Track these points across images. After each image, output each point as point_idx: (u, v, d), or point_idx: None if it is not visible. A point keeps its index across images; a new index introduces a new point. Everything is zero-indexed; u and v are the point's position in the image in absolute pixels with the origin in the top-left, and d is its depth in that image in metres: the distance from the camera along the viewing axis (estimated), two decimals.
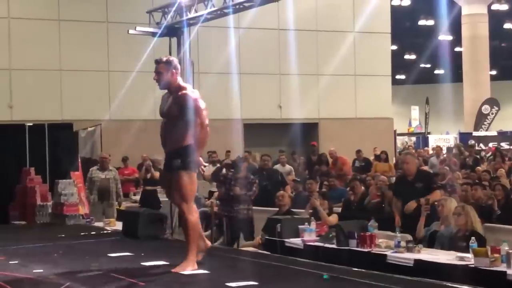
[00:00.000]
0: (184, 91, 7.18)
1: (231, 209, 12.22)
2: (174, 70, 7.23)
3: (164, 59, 7.32)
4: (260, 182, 13.37)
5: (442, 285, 6.47)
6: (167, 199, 15.65)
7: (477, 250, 7.05)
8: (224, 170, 13.60)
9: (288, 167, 17.63)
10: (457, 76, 34.77)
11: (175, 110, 7.14)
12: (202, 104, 7.17)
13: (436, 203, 9.14)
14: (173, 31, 15.94)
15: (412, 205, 9.31)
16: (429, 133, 35.95)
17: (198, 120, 7.10)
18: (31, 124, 16.24)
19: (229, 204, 12.34)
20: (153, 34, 16.32)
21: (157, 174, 16.51)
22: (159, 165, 18.13)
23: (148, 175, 16.25)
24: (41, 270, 7.45)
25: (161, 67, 7.24)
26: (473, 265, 6.94)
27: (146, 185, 16.26)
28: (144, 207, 12.86)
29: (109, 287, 6.55)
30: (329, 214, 10.55)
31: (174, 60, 7.30)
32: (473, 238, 7.49)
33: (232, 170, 12.81)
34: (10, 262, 8.12)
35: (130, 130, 19.90)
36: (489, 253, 6.88)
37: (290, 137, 21.77)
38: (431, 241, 8.68)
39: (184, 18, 15.51)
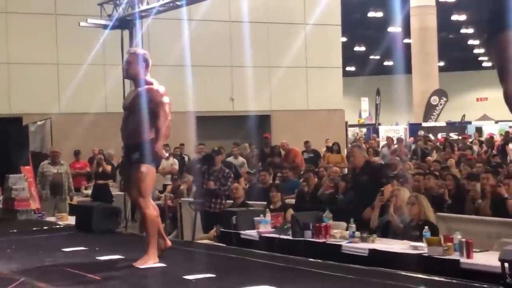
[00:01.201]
0: (151, 86, 7.18)
1: (207, 203, 12.05)
2: (144, 64, 7.24)
3: (137, 51, 7.35)
4: None
5: (397, 273, 6.55)
6: (119, 192, 15.71)
7: (430, 239, 7.15)
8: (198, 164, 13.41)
9: (241, 159, 17.67)
10: (406, 67, 35.20)
11: (138, 103, 7.12)
12: (167, 99, 7.19)
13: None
14: (125, 24, 15.81)
15: (368, 213, 9.30)
16: (379, 124, 36.32)
17: (163, 114, 7.11)
18: None
19: (204, 198, 12.21)
20: (105, 27, 16.18)
21: (108, 168, 16.43)
22: (112, 159, 18.07)
23: (100, 169, 16.17)
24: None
25: (132, 58, 7.24)
26: (426, 254, 7.03)
27: (97, 179, 16.18)
28: (96, 201, 12.75)
29: (65, 282, 6.48)
30: (281, 206, 10.57)
31: (146, 54, 7.32)
32: (426, 227, 7.59)
33: (206, 164, 12.65)
34: None
35: (81, 123, 19.70)
36: (442, 242, 6.98)
37: (243, 129, 21.82)
38: (384, 231, 8.77)
39: (136, 10, 15.39)
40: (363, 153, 10.68)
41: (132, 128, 7.13)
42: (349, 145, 23.84)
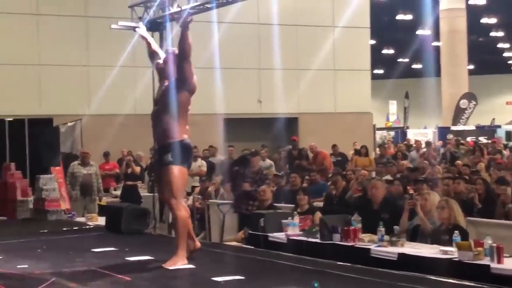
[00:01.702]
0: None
1: (244, 205, 11.97)
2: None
3: (175, 51, 7.40)
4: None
5: (426, 278, 6.53)
6: (147, 194, 15.80)
7: (460, 244, 7.12)
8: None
9: (268, 161, 17.69)
10: (435, 70, 34.97)
11: (168, 97, 7.22)
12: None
13: (418, 196, 9.19)
14: (156, 26, 15.84)
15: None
16: (408, 127, 36.13)
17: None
18: (11, 119, 16.16)
19: (239, 200, 12.13)
20: (135, 29, 16.22)
21: (137, 169, 16.52)
22: (140, 160, 18.17)
23: (129, 170, 16.25)
24: (26, 266, 7.43)
25: (170, 57, 7.37)
26: (456, 259, 7.00)
27: (126, 180, 16.25)
28: (125, 202, 12.84)
29: (95, 282, 6.55)
30: (309, 209, 10.57)
31: None
32: (456, 231, 7.56)
33: (241, 165, 12.57)
34: None
35: (110, 125, 19.79)
36: (473, 246, 6.94)
37: (270, 131, 21.82)
38: (413, 235, 8.74)
39: (167, 12, 15.44)
40: (385, 186, 10.14)
41: (163, 128, 7.17)
42: (377, 149, 23.79)
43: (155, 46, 7.91)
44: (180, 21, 7.16)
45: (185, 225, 7.21)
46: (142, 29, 8.02)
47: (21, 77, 20.73)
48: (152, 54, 7.79)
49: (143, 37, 7.90)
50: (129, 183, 16.03)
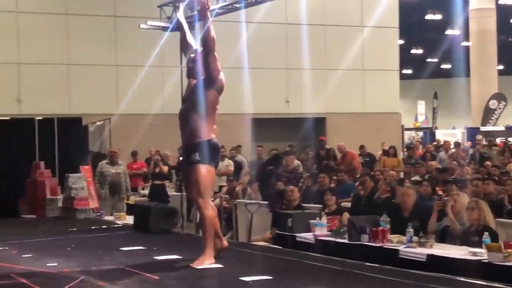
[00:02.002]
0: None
1: (278, 204, 11.98)
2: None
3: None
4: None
5: (455, 280, 6.48)
6: (175, 193, 15.85)
7: (490, 245, 7.05)
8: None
9: (296, 161, 17.63)
10: (464, 70, 34.70)
11: (196, 96, 7.22)
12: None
13: (447, 198, 9.12)
14: None
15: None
16: (436, 128, 35.89)
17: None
18: (40, 118, 16.29)
19: (273, 199, 12.15)
20: (164, 29, 16.34)
21: (165, 169, 16.57)
22: (168, 160, 18.24)
23: (157, 170, 16.29)
24: (55, 264, 7.49)
25: (199, 57, 7.35)
26: (486, 260, 6.93)
27: (154, 179, 16.31)
28: (152, 201, 12.88)
29: (123, 281, 6.57)
30: (337, 210, 10.54)
31: None
32: (486, 233, 7.48)
33: (274, 165, 12.58)
34: (22, 256, 8.17)
35: (139, 124, 19.91)
36: (503, 248, 6.87)
37: (298, 131, 21.80)
38: (442, 236, 8.68)
39: (196, 12, 15.49)
40: (415, 193, 9.88)
41: (191, 127, 7.18)
42: (405, 149, 23.65)
43: (189, 36, 7.77)
44: (198, 9, 7.15)
45: (213, 224, 7.21)
46: (180, 13, 7.96)
47: (50, 76, 20.94)
48: (186, 46, 7.73)
49: (180, 23, 7.82)
50: (157, 182, 16.08)
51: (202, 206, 7.11)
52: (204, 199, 7.11)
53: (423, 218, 9.04)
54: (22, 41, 20.77)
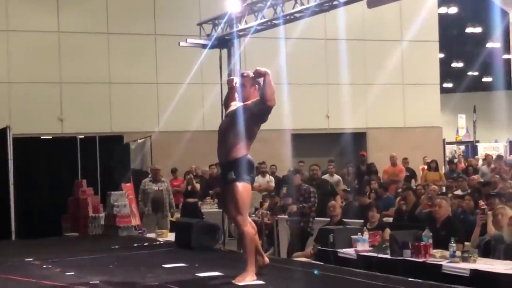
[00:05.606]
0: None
1: (303, 223, 12.25)
2: (256, 86, 7.30)
3: (250, 74, 7.31)
4: None
5: None
6: (208, 210, 15.91)
7: None
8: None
9: (336, 177, 17.59)
10: (505, 83, 34.32)
11: (240, 113, 7.21)
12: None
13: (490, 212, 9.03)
14: (224, 43, 16.02)
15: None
16: (477, 141, 35.50)
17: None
18: (82, 136, 16.47)
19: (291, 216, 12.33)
20: (204, 46, 16.41)
21: (197, 186, 16.61)
22: (206, 176, 18.28)
23: (189, 187, 16.31)
24: (98, 281, 7.52)
25: (246, 81, 7.32)
26: None
27: (186, 197, 16.32)
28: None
29: None
30: (379, 225, 10.47)
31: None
32: None
33: (287, 184, 12.76)
34: (66, 274, 8.21)
35: (179, 141, 20.03)
36: None
37: (338, 147, 21.74)
38: (485, 251, 8.58)
39: (235, 29, 15.57)
40: (449, 207, 10.02)
41: (228, 145, 7.18)
42: (447, 163, 23.42)
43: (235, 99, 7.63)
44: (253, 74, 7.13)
45: (252, 240, 7.20)
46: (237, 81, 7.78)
47: (92, 95, 21.15)
48: (227, 103, 7.66)
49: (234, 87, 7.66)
50: (190, 200, 16.11)
51: (241, 223, 7.11)
52: (242, 216, 7.11)
53: (451, 230, 9.00)
54: (64, 61, 21.04)
